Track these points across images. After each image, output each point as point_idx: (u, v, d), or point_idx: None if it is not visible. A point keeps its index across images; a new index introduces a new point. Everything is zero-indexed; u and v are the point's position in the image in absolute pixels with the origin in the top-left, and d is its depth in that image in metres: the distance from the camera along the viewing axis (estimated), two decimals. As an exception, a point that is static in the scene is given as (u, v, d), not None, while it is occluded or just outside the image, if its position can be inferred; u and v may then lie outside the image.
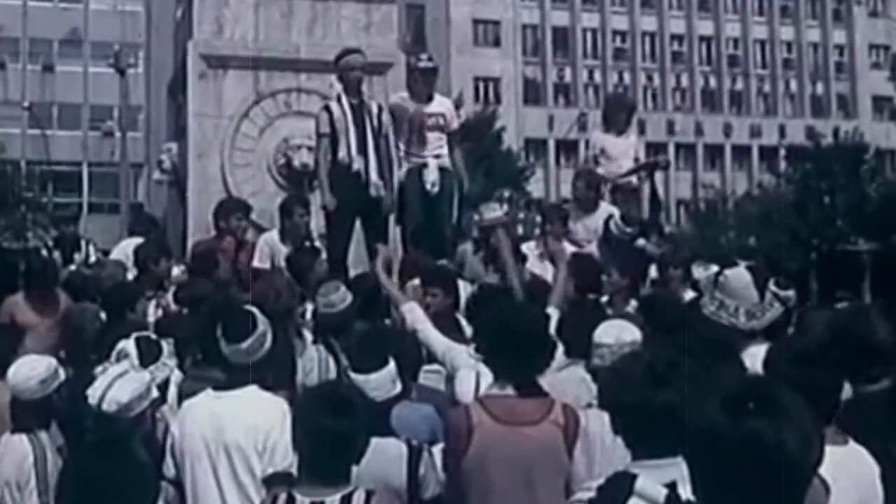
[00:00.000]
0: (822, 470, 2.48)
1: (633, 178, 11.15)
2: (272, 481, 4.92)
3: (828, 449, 2.47)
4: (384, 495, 4.25)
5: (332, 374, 6.62)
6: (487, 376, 5.20)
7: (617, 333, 5.39)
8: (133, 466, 3.63)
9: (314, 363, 6.83)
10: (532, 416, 4.63)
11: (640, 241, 9.88)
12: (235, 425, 5.07)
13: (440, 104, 10.19)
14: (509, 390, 4.70)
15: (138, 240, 10.28)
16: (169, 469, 5.20)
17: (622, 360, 3.97)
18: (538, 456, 4.59)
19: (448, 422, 4.94)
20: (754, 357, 4.58)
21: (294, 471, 4.74)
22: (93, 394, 5.02)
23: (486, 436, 4.59)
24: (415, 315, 6.63)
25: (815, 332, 5.86)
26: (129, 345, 5.94)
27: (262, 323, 5.34)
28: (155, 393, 5.25)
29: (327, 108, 9.76)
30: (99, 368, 5.45)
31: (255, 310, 5.58)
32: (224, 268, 9.36)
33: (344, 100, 9.74)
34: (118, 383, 5.05)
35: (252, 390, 5.19)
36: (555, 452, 4.59)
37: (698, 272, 9.91)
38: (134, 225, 10.53)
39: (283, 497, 4.13)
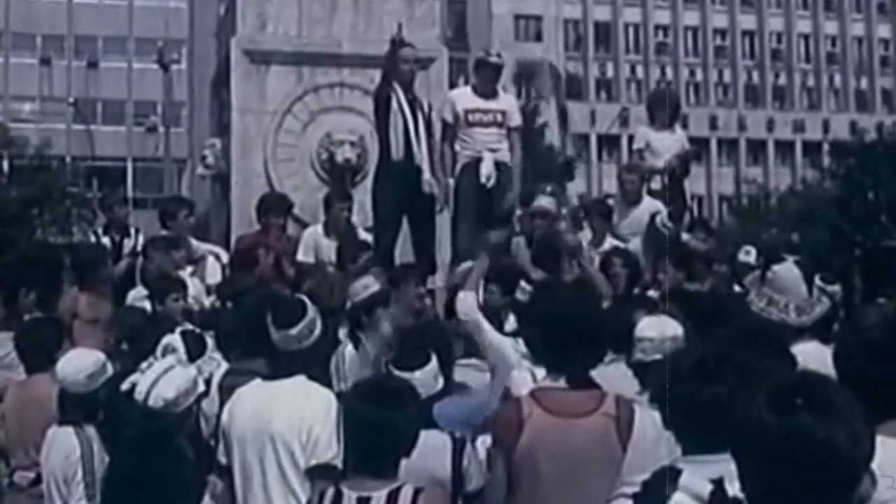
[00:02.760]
0: (878, 462, 2.43)
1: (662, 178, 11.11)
2: (315, 473, 4.93)
3: (891, 441, 2.41)
4: (432, 491, 4.24)
5: (353, 365, 6.56)
6: (541, 375, 5.17)
7: (660, 328, 5.37)
8: (178, 462, 3.65)
9: (342, 356, 6.82)
10: (583, 407, 4.56)
11: (685, 236, 9.84)
12: (280, 415, 5.07)
13: (504, 101, 10.27)
14: (561, 383, 4.64)
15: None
16: (218, 457, 5.21)
17: (673, 353, 3.92)
18: (589, 448, 4.53)
19: (499, 414, 4.92)
20: (804, 353, 4.53)
21: (338, 462, 4.77)
22: (139, 389, 5.06)
23: (537, 428, 4.54)
24: (467, 303, 6.34)
25: (880, 324, 5.77)
26: (175, 339, 5.98)
27: (312, 310, 5.31)
28: (201, 387, 5.28)
29: (386, 100, 9.70)
30: (145, 364, 5.48)
31: (305, 298, 5.59)
32: (266, 263, 9.38)
33: (401, 94, 9.72)
34: (164, 379, 5.09)
35: (300, 380, 5.18)
36: (606, 444, 4.51)
37: (741, 256, 10.39)
38: (164, 218, 10.21)
39: (330, 492, 4.14)
